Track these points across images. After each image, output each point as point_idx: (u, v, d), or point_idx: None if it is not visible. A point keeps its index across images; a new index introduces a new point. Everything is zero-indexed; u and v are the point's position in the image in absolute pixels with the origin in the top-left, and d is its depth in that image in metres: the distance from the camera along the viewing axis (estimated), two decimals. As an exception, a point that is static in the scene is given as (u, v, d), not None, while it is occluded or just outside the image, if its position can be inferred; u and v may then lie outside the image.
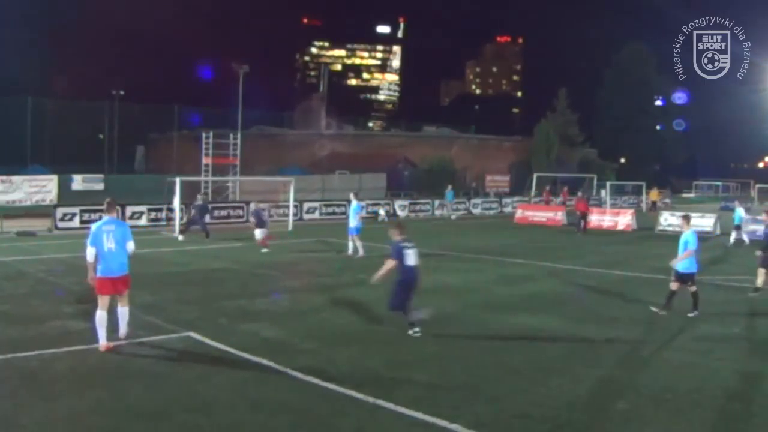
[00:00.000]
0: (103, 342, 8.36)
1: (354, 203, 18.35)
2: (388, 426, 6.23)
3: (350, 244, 18.20)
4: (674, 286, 11.16)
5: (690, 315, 10.92)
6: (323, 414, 6.47)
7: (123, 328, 8.78)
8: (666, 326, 10.36)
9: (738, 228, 23.45)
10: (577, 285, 14.21)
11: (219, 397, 6.83)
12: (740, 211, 23.75)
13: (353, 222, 18.04)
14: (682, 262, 11.09)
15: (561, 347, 9.05)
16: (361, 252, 17.82)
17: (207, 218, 23.38)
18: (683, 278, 11.15)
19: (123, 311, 8.75)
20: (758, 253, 13.76)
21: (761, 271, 13.32)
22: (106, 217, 8.84)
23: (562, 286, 14.13)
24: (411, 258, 9.47)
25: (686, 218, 12.00)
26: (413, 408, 6.51)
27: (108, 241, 8.49)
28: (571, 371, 7.96)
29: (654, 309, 11.22)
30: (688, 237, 11.14)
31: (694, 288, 11.17)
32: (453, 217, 34.61)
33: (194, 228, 22.54)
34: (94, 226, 8.71)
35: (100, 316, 8.35)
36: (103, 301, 8.43)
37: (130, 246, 8.74)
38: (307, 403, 6.74)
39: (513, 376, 7.74)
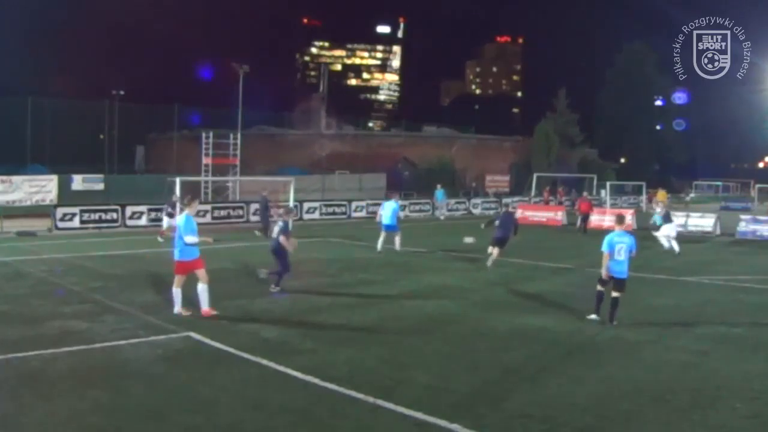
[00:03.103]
0: (176, 308, 10.51)
1: (392, 201, 19.28)
2: (388, 426, 6.23)
3: (397, 239, 18.94)
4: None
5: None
6: (323, 414, 6.47)
7: (176, 307, 10.53)
8: (666, 326, 10.36)
9: (658, 229, 23.02)
10: (577, 285, 14.19)
11: (219, 397, 6.83)
12: (657, 214, 23.39)
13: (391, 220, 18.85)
14: None
15: (561, 347, 9.04)
16: (379, 248, 18.66)
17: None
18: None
19: (176, 292, 10.53)
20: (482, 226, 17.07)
21: (495, 250, 16.09)
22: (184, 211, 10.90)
23: (562, 286, 14.13)
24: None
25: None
26: (413, 408, 6.51)
27: (178, 232, 10.55)
28: (571, 371, 7.96)
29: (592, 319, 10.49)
30: None
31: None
32: (441, 217, 34.32)
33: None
34: None
35: (174, 290, 10.61)
36: (177, 280, 10.60)
37: (186, 238, 10.35)
38: (307, 403, 6.74)
39: (513, 376, 7.74)
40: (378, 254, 18.37)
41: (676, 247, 19.65)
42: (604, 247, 10.40)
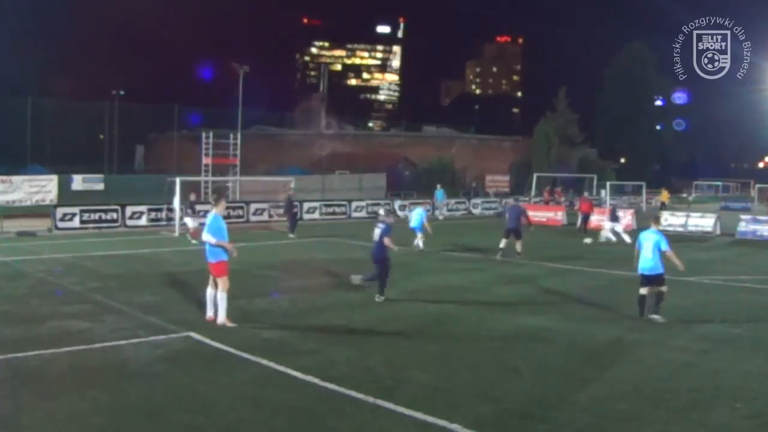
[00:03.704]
0: (208, 313, 10.02)
1: (419, 209, 20.73)
2: (388, 426, 6.23)
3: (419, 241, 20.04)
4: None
5: None
6: (323, 414, 6.47)
7: (219, 316, 9.86)
8: (666, 326, 10.36)
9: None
10: (577, 285, 14.20)
11: (219, 397, 6.83)
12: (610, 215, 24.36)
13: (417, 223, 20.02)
14: None
15: (561, 347, 9.04)
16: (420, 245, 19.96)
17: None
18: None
19: (219, 297, 9.87)
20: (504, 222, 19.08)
21: (518, 243, 18.09)
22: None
23: (562, 286, 14.12)
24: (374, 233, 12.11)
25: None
26: (413, 408, 6.50)
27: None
28: (571, 371, 7.95)
29: None
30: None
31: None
32: (440, 217, 34.31)
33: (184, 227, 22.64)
34: None
35: (208, 292, 10.06)
36: (210, 280, 10.02)
37: (203, 235, 9.97)
38: (307, 403, 6.74)
39: (513, 376, 7.74)
40: (420, 251, 19.32)
41: (611, 237, 23.00)
42: (636, 245, 10.96)
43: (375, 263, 12.10)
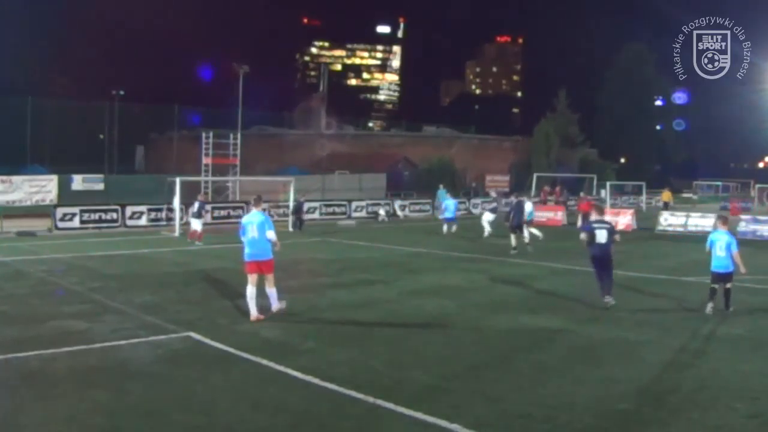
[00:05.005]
0: (253, 313, 10.04)
1: (451, 200, 25.12)
2: (388, 426, 6.23)
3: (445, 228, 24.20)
4: None
5: None
6: (323, 414, 6.47)
7: (273, 304, 10.27)
8: (666, 326, 10.35)
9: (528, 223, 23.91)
10: (577, 285, 14.18)
11: (219, 397, 6.82)
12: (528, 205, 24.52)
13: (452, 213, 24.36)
14: None
15: (561, 347, 9.04)
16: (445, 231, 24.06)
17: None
18: None
19: (270, 292, 10.24)
20: (507, 223, 19.79)
21: (512, 236, 19.22)
22: (252, 210, 10.51)
23: (562, 286, 14.11)
24: (601, 236, 11.43)
25: None
26: (413, 408, 6.50)
27: (251, 231, 10.09)
28: (572, 371, 7.95)
29: None
30: None
31: None
32: (441, 217, 34.24)
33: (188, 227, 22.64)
34: (243, 219, 10.62)
35: (249, 291, 10.08)
36: (251, 278, 10.10)
37: (270, 234, 10.09)
38: (307, 403, 6.74)
39: (513, 376, 7.73)
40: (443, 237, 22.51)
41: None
42: (707, 245, 11.46)
43: (609, 267, 11.50)
